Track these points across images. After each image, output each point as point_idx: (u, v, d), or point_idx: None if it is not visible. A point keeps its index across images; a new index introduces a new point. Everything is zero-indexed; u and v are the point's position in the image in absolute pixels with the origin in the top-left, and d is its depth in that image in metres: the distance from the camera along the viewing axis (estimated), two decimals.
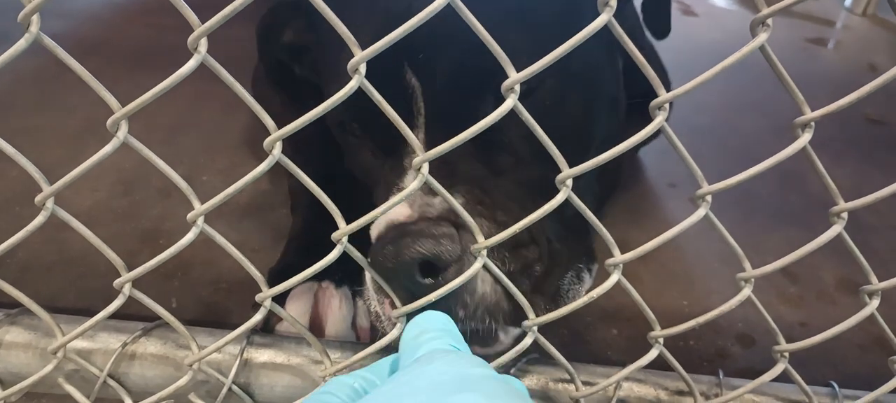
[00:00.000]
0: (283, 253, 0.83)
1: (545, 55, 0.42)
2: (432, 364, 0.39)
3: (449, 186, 0.56)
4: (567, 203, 0.49)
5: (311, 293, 0.73)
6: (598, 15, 0.42)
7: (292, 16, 0.94)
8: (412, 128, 0.65)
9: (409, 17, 0.41)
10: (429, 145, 0.58)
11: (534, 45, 0.58)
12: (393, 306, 0.57)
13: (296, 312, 0.71)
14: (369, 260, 0.57)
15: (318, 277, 0.70)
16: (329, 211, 0.50)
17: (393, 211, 0.57)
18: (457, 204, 0.50)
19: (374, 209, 0.51)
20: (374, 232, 0.63)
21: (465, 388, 0.35)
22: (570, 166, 0.47)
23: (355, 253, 0.53)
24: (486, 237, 0.52)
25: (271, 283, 0.55)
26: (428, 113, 0.65)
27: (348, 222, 0.50)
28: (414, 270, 0.56)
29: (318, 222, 0.82)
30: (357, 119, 0.72)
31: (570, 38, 0.42)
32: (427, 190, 0.57)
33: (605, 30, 0.42)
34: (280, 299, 0.66)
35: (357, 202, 0.69)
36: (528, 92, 0.56)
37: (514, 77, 0.43)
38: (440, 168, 0.58)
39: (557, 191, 0.48)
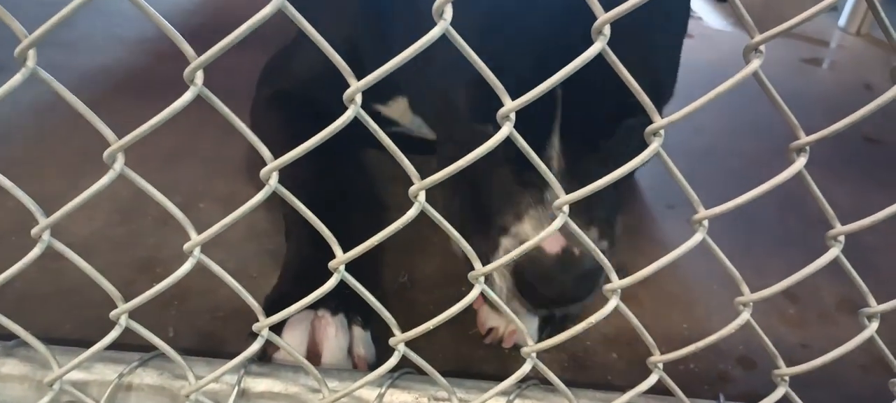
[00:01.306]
0: (278, 281, 0.82)
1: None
2: None
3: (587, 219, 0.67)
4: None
5: (307, 321, 0.73)
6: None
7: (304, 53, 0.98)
8: (548, 133, 0.68)
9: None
10: (564, 152, 0.67)
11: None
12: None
13: (292, 341, 0.70)
14: (514, 283, 0.67)
15: (314, 305, 0.70)
16: (324, 238, 0.50)
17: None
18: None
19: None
20: (510, 249, 0.67)
21: None
22: None
23: (353, 283, 0.53)
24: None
25: (268, 312, 0.55)
26: (563, 118, 0.67)
27: (345, 250, 0.50)
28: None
29: (313, 249, 0.82)
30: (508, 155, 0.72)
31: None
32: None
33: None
34: (277, 328, 0.66)
35: (352, 229, 0.70)
36: None
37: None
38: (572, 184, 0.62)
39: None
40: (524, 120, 0.46)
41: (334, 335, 0.72)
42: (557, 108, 0.67)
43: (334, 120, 0.43)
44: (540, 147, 0.58)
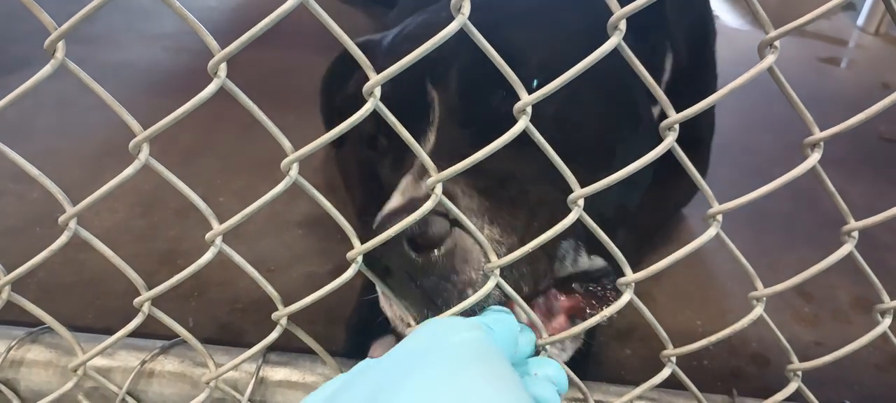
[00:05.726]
0: (357, 306, 0.79)
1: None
2: (416, 332, 0.44)
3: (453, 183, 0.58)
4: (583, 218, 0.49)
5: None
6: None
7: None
8: (426, 129, 0.68)
9: (424, 39, 0.41)
10: (438, 143, 0.66)
11: (547, 47, 0.66)
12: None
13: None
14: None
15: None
16: None
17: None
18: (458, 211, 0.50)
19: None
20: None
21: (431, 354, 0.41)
22: (584, 176, 0.48)
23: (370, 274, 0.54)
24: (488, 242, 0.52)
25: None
26: (441, 114, 0.68)
27: None
28: (402, 247, 0.53)
29: None
30: (385, 133, 0.75)
31: (594, 44, 0.42)
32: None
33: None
34: (365, 341, 0.69)
35: None
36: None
37: (525, 100, 0.44)
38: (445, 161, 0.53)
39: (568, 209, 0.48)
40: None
41: None
42: (434, 106, 0.68)
43: None
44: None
